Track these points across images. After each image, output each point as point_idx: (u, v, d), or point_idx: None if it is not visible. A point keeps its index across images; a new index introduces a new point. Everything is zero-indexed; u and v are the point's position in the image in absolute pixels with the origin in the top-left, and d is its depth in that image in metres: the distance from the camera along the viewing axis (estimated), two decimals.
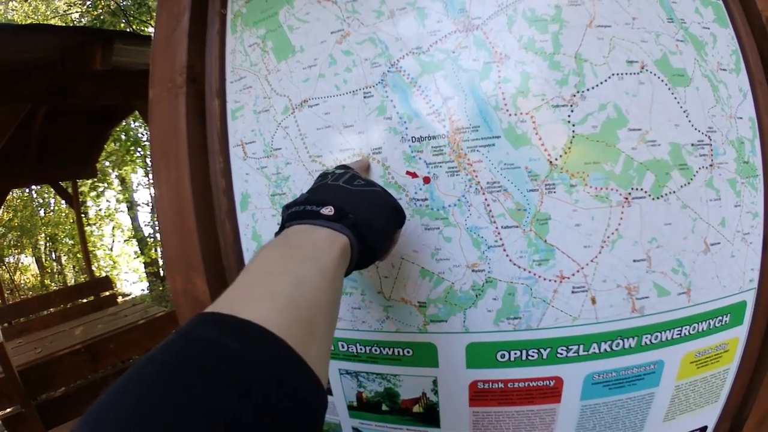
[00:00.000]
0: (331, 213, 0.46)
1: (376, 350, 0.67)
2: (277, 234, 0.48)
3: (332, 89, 0.66)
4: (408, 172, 0.63)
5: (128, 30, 5.97)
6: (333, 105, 0.66)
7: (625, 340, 0.69)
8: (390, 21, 0.65)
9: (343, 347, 0.69)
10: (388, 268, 0.64)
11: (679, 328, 0.71)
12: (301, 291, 0.36)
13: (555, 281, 0.64)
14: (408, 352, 0.66)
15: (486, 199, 0.61)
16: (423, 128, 0.62)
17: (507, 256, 0.62)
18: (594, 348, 0.68)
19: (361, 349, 0.68)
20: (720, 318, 0.74)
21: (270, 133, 0.69)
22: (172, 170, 0.71)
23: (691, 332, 0.73)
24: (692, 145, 0.69)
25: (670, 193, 0.67)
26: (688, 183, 0.68)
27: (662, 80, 0.68)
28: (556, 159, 0.62)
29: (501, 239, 0.62)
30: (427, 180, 0.62)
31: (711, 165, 0.70)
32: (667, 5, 0.72)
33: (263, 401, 0.27)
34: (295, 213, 0.47)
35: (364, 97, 0.64)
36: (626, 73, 0.66)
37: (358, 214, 0.48)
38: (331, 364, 0.70)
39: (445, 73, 0.63)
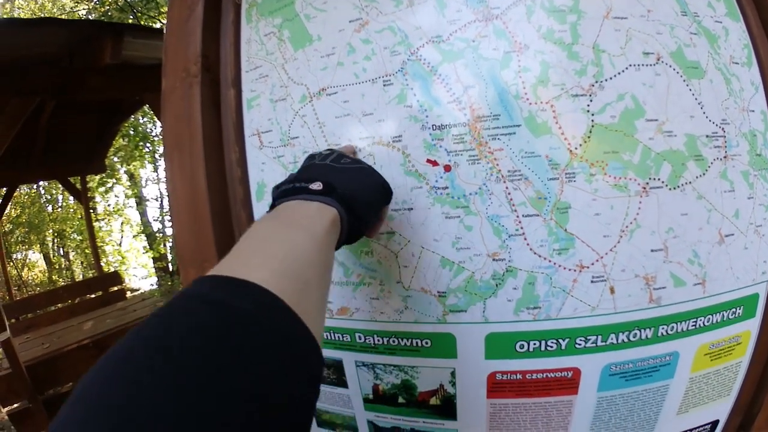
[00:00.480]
0: (320, 188, 0.47)
1: (394, 341, 0.67)
2: (268, 213, 0.49)
3: (351, 77, 0.66)
4: (428, 160, 0.62)
5: (138, 24, 5.93)
6: (352, 93, 0.65)
7: (642, 330, 0.69)
8: (409, 10, 0.65)
9: (360, 338, 0.68)
10: (408, 258, 0.64)
11: (695, 320, 0.72)
12: (294, 255, 0.37)
13: (575, 270, 0.63)
14: (426, 342, 0.66)
15: (507, 188, 0.61)
16: (444, 116, 0.62)
17: (528, 245, 0.62)
18: (612, 338, 0.68)
19: (378, 340, 0.67)
20: (733, 310, 0.75)
21: (287, 122, 0.68)
22: (186, 160, 0.70)
23: (706, 324, 0.73)
24: (707, 136, 0.69)
25: (686, 183, 0.67)
26: (703, 174, 0.69)
27: (677, 72, 0.69)
28: (576, 148, 0.62)
29: (522, 228, 0.62)
30: (447, 168, 0.62)
31: (725, 157, 0.71)
32: None
33: (266, 354, 0.28)
34: (285, 191, 0.49)
35: (384, 86, 0.64)
36: (643, 65, 0.67)
37: (346, 188, 0.49)
38: (348, 355, 0.69)
39: (466, 61, 0.63)
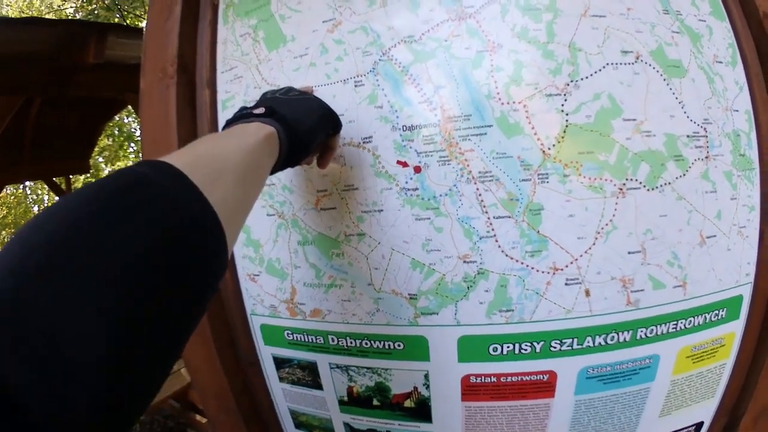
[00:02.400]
0: (262, 111, 0.50)
1: (366, 344, 0.66)
2: None
3: (323, 78, 0.65)
4: (399, 162, 0.62)
5: (123, 23, 5.99)
6: (324, 94, 0.65)
7: (620, 333, 0.68)
8: (382, 10, 0.65)
9: (333, 341, 0.67)
10: (379, 259, 0.63)
11: (675, 322, 0.71)
12: (214, 149, 0.40)
13: (548, 273, 0.63)
14: (399, 345, 0.65)
15: (478, 189, 0.61)
16: (414, 117, 0.62)
17: (499, 247, 0.61)
18: (588, 341, 0.67)
19: (351, 342, 0.67)
20: (716, 312, 0.73)
21: None
22: None
23: (687, 326, 0.72)
24: (688, 136, 0.68)
25: (665, 184, 0.66)
26: (684, 174, 0.67)
27: (657, 71, 0.67)
28: (549, 148, 0.61)
29: (493, 230, 0.61)
30: (417, 169, 0.61)
31: (707, 157, 0.69)
32: None
33: (158, 215, 0.29)
34: (231, 119, 0.51)
35: (355, 86, 0.64)
36: (621, 63, 0.66)
37: (288, 113, 0.51)
38: (322, 358, 0.69)
39: (437, 61, 0.62)
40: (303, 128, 0.53)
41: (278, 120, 0.50)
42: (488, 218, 0.61)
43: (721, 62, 0.74)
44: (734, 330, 0.77)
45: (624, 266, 0.65)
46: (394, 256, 0.63)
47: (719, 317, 0.74)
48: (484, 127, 0.60)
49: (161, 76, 0.73)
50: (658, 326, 0.70)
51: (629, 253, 0.65)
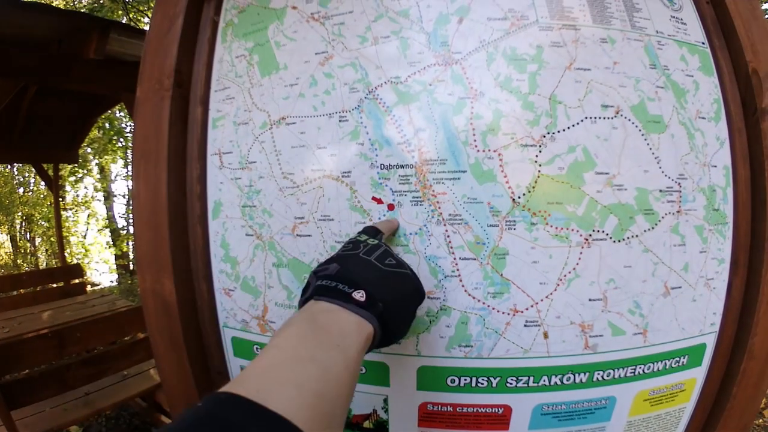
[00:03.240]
0: (362, 299, 0.46)
1: None
2: (304, 300, 0.49)
3: (310, 110, 0.68)
4: (374, 198, 0.64)
5: (125, 18, 6.01)
6: (309, 125, 0.67)
7: (577, 375, 0.71)
8: (373, 48, 0.67)
9: None
10: None
11: (633, 367, 0.73)
12: (327, 384, 0.37)
13: (508, 314, 0.65)
14: (361, 369, 0.69)
15: (447, 231, 0.63)
16: (392, 156, 0.64)
17: (463, 286, 0.64)
18: (544, 380, 0.70)
19: None
20: (677, 359, 0.76)
21: (247, 146, 0.71)
22: (151, 171, 0.74)
23: (646, 371, 0.74)
24: (660, 191, 0.70)
25: (632, 237, 0.68)
26: (652, 228, 0.70)
27: (636, 126, 0.69)
28: (519, 197, 0.63)
29: (458, 270, 0.64)
30: (391, 207, 0.64)
31: (678, 211, 0.71)
32: (652, 51, 0.73)
33: None
34: (326, 288, 0.47)
35: (340, 121, 0.66)
36: (600, 117, 0.67)
37: (387, 301, 0.48)
38: None
39: (420, 104, 0.64)
40: (397, 321, 0.50)
41: (377, 315, 0.46)
42: (454, 259, 0.64)
43: (704, 118, 0.75)
44: (695, 376, 0.79)
45: (584, 312, 0.68)
46: None
47: (680, 364, 0.77)
48: (458, 172, 0.63)
49: (157, 87, 0.76)
50: (616, 370, 0.72)
51: (590, 300, 0.68)
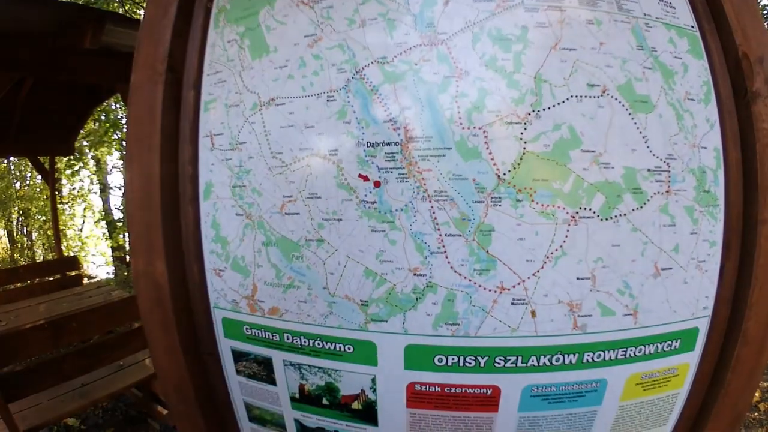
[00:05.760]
0: None
1: (318, 344, 0.70)
2: None
3: (299, 90, 0.69)
4: (360, 175, 0.65)
5: (121, 9, 6.07)
6: (298, 105, 0.68)
7: (566, 355, 0.70)
8: (360, 30, 0.68)
9: (288, 339, 0.71)
10: (335, 265, 0.67)
11: (624, 349, 0.73)
12: None
13: (495, 291, 0.65)
14: (349, 348, 0.69)
15: (432, 207, 0.64)
16: (378, 134, 0.65)
17: (449, 263, 0.64)
18: (533, 360, 0.69)
19: (305, 342, 0.70)
20: (669, 342, 0.75)
21: (237, 127, 0.72)
22: (145, 154, 0.75)
23: (637, 354, 0.74)
24: (648, 170, 0.70)
25: (620, 215, 0.68)
26: (641, 207, 0.69)
27: (623, 105, 0.69)
28: (505, 174, 0.64)
29: (444, 246, 0.64)
30: (377, 184, 0.65)
31: (667, 191, 0.71)
32: (640, 33, 0.73)
33: None
34: None
35: (327, 101, 0.67)
36: (586, 96, 0.68)
37: None
38: (276, 355, 0.72)
39: (405, 83, 0.65)
40: None
41: None
42: (440, 235, 0.64)
43: (693, 99, 0.75)
44: (688, 361, 0.78)
45: (572, 291, 0.68)
46: (349, 263, 0.66)
47: (672, 348, 0.76)
48: (443, 149, 0.63)
49: (151, 73, 0.77)
50: (606, 352, 0.72)
51: (578, 278, 0.68)
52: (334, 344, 0.69)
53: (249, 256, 0.71)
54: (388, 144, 0.64)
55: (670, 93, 0.73)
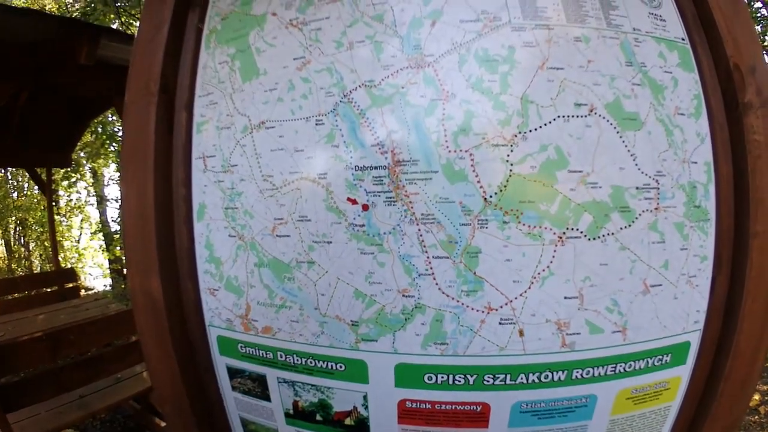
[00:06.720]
0: None
1: (311, 362, 0.71)
2: None
3: (288, 114, 0.70)
4: (349, 199, 0.66)
5: (117, 21, 6.10)
6: (287, 129, 0.69)
7: (554, 372, 0.71)
8: (348, 52, 0.69)
9: (281, 357, 0.73)
10: (326, 287, 0.68)
11: (613, 365, 0.73)
12: None
13: (482, 312, 0.66)
14: (341, 366, 0.70)
15: (419, 230, 0.64)
16: (366, 158, 0.66)
17: (436, 284, 0.65)
18: (521, 378, 0.70)
19: (297, 360, 0.72)
20: (659, 357, 0.76)
21: (229, 150, 0.73)
22: (139, 174, 0.76)
23: (627, 369, 0.74)
24: (637, 188, 0.70)
25: (608, 234, 0.69)
26: (629, 225, 0.70)
27: (611, 123, 0.70)
28: (491, 196, 0.64)
29: (431, 268, 0.65)
30: (365, 207, 0.66)
31: (656, 208, 0.71)
32: (629, 48, 0.73)
33: None
34: None
35: (316, 124, 0.68)
36: (573, 116, 0.68)
37: None
38: (270, 372, 0.74)
39: (393, 107, 0.66)
40: None
41: None
42: (428, 257, 0.65)
43: (683, 114, 0.75)
44: (680, 374, 0.79)
45: (560, 310, 0.68)
46: (339, 284, 0.67)
47: (663, 362, 0.77)
48: (430, 173, 0.64)
49: (144, 92, 0.79)
50: (595, 368, 0.73)
51: (566, 298, 0.68)
52: (326, 363, 0.71)
53: (242, 277, 0.73)
54: (376, 168, 0.65)
55: (659, 109, 0.73)
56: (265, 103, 0.71)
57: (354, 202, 0.66)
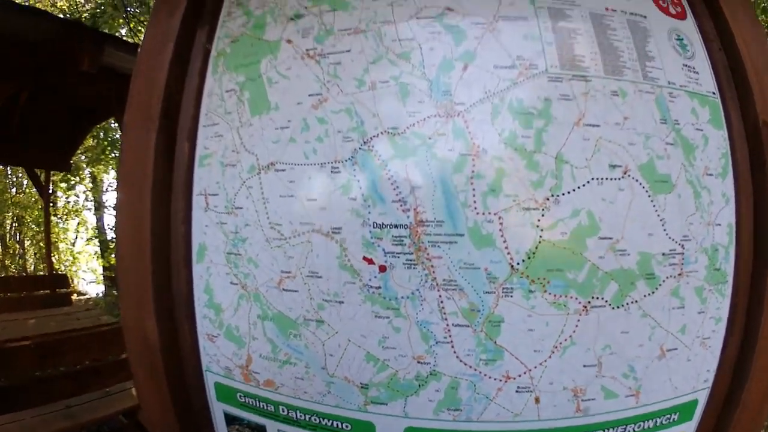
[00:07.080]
0: None
1: (315, 419, 0.67)
2: None
3: (301, 157, 0.64)
4: (365, 258, 0.61)
5: (125, 28, 5.91)
6: (299, 174, 0.64)
7: None
8: (370, 93, 0.63)
9: (283, 411, 0.69)
10: (335, 347, 0.64)
11: (624, 426, 0.72)
12: None
13: (500, 380, 0.63)
14: (347, 426, 0.67)
15: (440, 296, 0.60)
16: (386, 215, 0.61)
17: (455, 353, 0.62)
18: None
19: (300, 416, 0.68)
20: (668, 416, 0.75)
21: (233, 190, 0.67)
22: (135, 203, 0.70)
23: (636, 429, 0.73)
24: (663, 254, 0.67)
25: (632, 302, 0.66)
26: (653, 292, 0.67)
27: (644, 187, 0.66)
28: (519, 264, 0.61)
29: (450, 336, 0.61)
30: (383, 269, 0.61)
31: (680, 274, 0.69)
32: (664, 104, 0.70)
33: None
34: None
35: (332, 172, 0.62)
36: (607, 178, 0.64)
37: None
38: (272, 424, 0.70)
39: (418, 159, 0.61)
40: None
41: None
42: (447, 325, 0.61)
43: (711, 174, 0.72)
44: (686, 430, 0.78)
45: (577, 378, 0.66)
46: (350, 347, 0.63)
47: (671, 420, 0.75)
48: (455, 236, 0.60)
49: (145, 116, 0.72)
50: (606, 431, 0.71)
51: (584, 366, 0.66)
52: (331, 421, 0.67)
53: (244, 327, 0.68)
54: (396, 227, 0.60)
55: (690, 170, 0.70)
56: (275, 142, 0.65)
57: (371, 261, 0.61)
